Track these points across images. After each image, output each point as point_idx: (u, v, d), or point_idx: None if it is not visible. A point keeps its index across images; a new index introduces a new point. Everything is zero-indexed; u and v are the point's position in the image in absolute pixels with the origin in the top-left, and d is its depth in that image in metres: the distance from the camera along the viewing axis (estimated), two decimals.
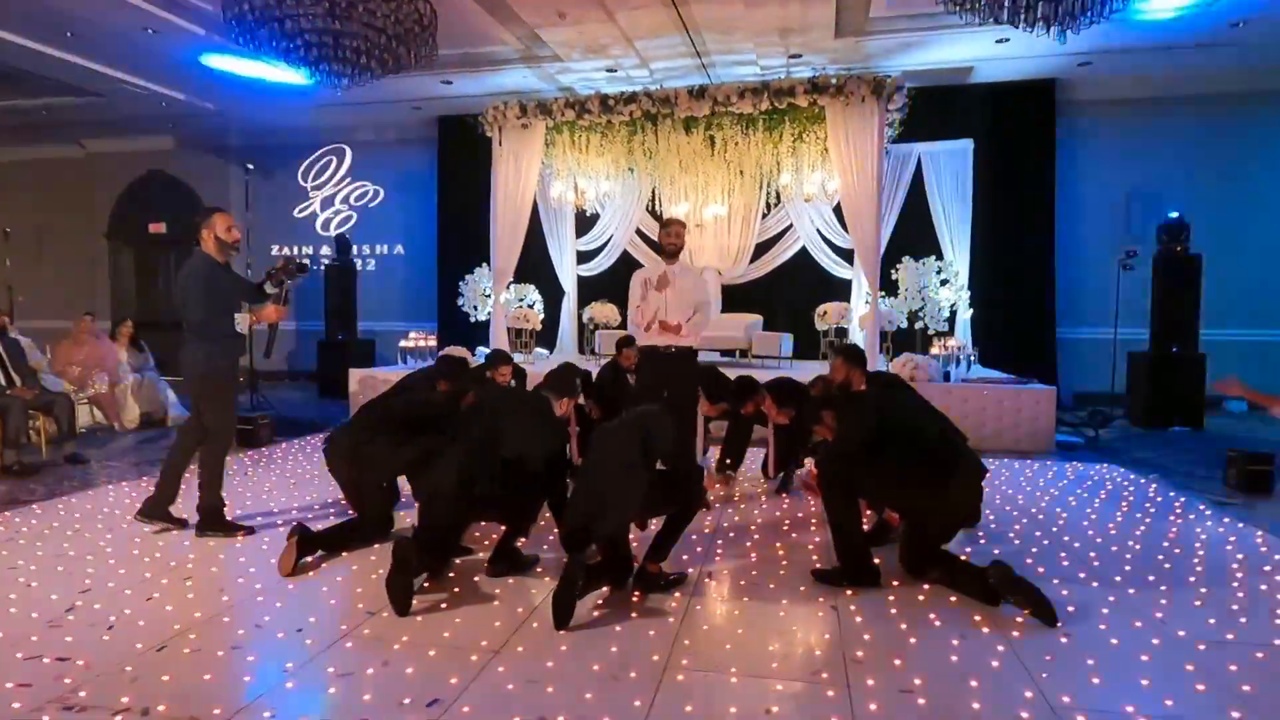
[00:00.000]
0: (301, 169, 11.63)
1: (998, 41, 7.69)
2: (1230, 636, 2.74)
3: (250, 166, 8.56)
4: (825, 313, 8.66)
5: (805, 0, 6.85)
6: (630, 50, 8.04)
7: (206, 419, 3.92)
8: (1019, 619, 2.87)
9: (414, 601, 2.98)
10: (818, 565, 3.43)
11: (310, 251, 11.71)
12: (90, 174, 12.50)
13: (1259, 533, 3.99)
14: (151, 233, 12.12)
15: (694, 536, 3.89)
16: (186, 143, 11.91)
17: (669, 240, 4.55)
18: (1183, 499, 4.72)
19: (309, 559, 3.46)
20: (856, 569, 3.22)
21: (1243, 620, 2.87)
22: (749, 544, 3.81)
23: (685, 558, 3.57)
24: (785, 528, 4.11)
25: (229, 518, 4.00)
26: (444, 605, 3.01)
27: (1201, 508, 4.53)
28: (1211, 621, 2.86)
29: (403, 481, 4.23)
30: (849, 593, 3.13)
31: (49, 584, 3.22)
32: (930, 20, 7.35)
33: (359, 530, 3.76)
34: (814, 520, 4.21)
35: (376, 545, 3.74)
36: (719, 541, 3.85)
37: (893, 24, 7.53)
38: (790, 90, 6.99)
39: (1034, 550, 3.70)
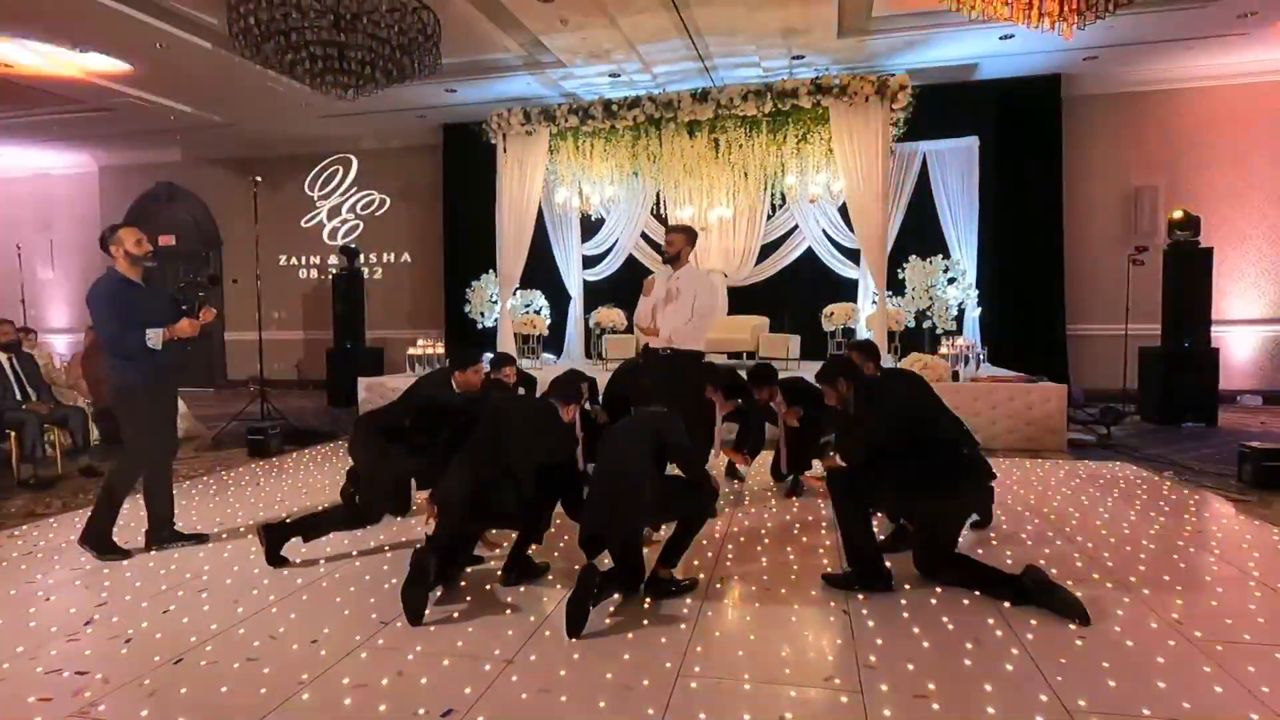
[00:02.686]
0: (308, 179, 11.70)
1: (1002, 38, 7.67)
2: (1248, 637, 2.72)
3: (259, 179, 8.61)
4: (832, 313, 8.64)
5: (807, 1, 6.84)
6: (633, 55, 8.05)
7: (125, 435, 3.82)
8: (1033, 620, 2.86)
9: (427, 611, 2.99)
10: (828, 569, 3.43)
11: (317, 260, 11.78)
12: (100, 187, 12.62)
13: (1275, 530, 3.96)
14: (161, 245, 12.20)
15: (704, 542, 3.89)
16: (194, 155, 12.02)
17: (665, 249, 4.59)
18: (1197, 496, 4.68)
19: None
20: (866, 573, 3.21)
21: (1261, 620, 2.85)
22: (759, 548, 3.80)
23: (696, 563, 3.57)
24: (796, 531, 4.10)
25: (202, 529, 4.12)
26: (456, 615, 3.01)
27: (1217, 505, 4.49)
28: (1229, 622, 2.84)
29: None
30: (860, 597, 3.12)
31: (67, 597, 3.26)
32: (933, 18, 7.34)
33: (333, 515, 3.81)
34: (824, 524, 4.20)
35: (390, 554, 3.76)
36: (730, 546, 3.84)
37: (895, 22, 7.50)
38: (793, 92, 6.99)
39: (1047, 551, 3.68)
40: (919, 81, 8.16)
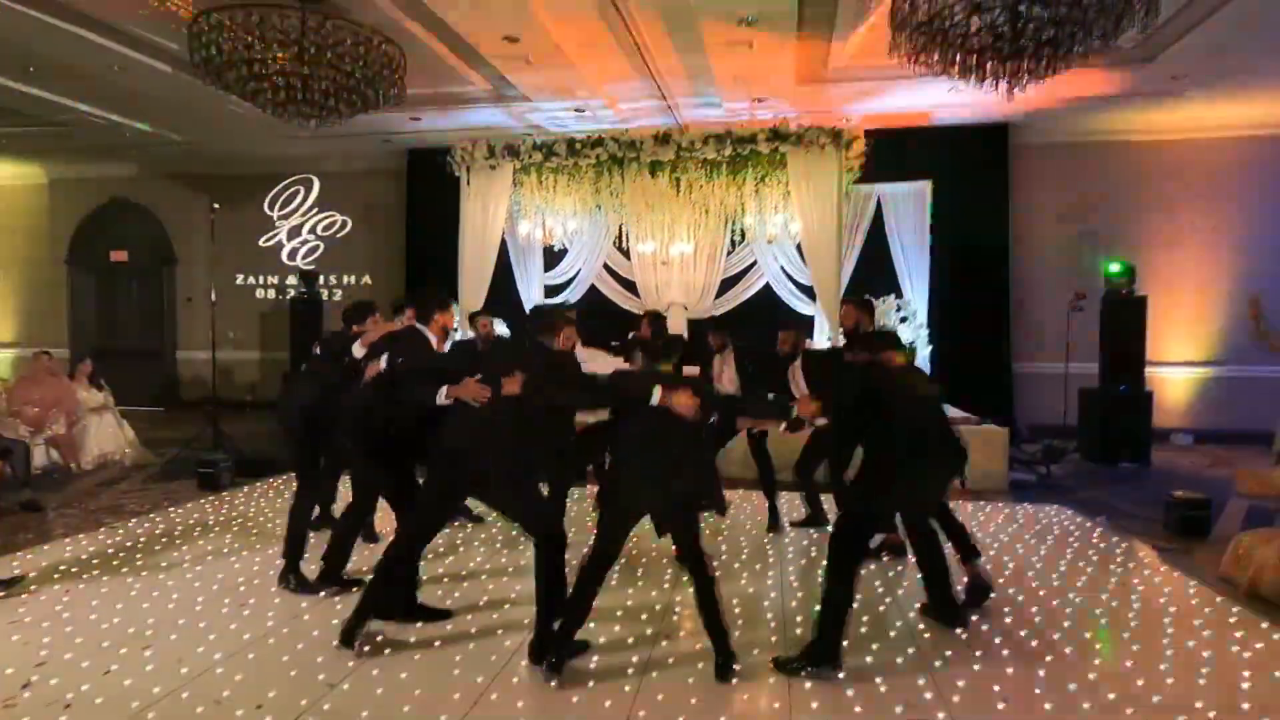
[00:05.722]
0: (268, 199, 11.56)
1: (951, 90, 7.97)
2: (1157, 699, 2.89)
3: (216, 206, 8.50)
4: None
5: (767, 50, 7.05)
6: (597, 93, 8.18)
7: None
8: (960, 683, 3.00)
9: (375, 671, 3.03)
10: (772, 624, 3.53)
11: (275, 280, 11.62)
12: (51, 199, 12.29)
13: (1193, 583, 4.19)
14: (113, 260, 11.95)
15: (654, 593, 3.97)
16: (150, 170, 11.78)
17: None
18: (1125, 545, 4.92)
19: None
20: (822, 648, 3.08)
21: (1170, 681, 3.04)
22: None
23: (644, 617, 3.65)
24: (743, 582, 4.21)
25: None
26: (404, 675, 3.04)
27: (1141, 555, 4.73)
28: (1140, 683, 3.01)
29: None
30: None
31: (4, 656, 3.19)
32: (886, 70, 7.59)
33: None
34: (770, 576, 4.32)
35: (339, 606, 3.72)
36: (679, 598, 3.92)
37: (851, 74, 7.74)
38: (752, 138, 7.21)
39: (982, 604, 3.84)
40: (874, 126, 8.46)
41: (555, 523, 3.34)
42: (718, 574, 3.29)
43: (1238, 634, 3.49)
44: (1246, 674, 3.09)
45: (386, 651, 3.25)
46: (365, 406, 3.70)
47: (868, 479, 3.42)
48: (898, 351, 3.68)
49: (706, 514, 3.37)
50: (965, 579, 3.80)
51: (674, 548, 3.24)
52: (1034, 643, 3.39)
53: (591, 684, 2.99)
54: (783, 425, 3.69)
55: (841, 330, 4.51)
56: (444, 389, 3.25)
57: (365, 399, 3.72)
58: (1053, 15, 5.18)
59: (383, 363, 3.66)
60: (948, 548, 3.78)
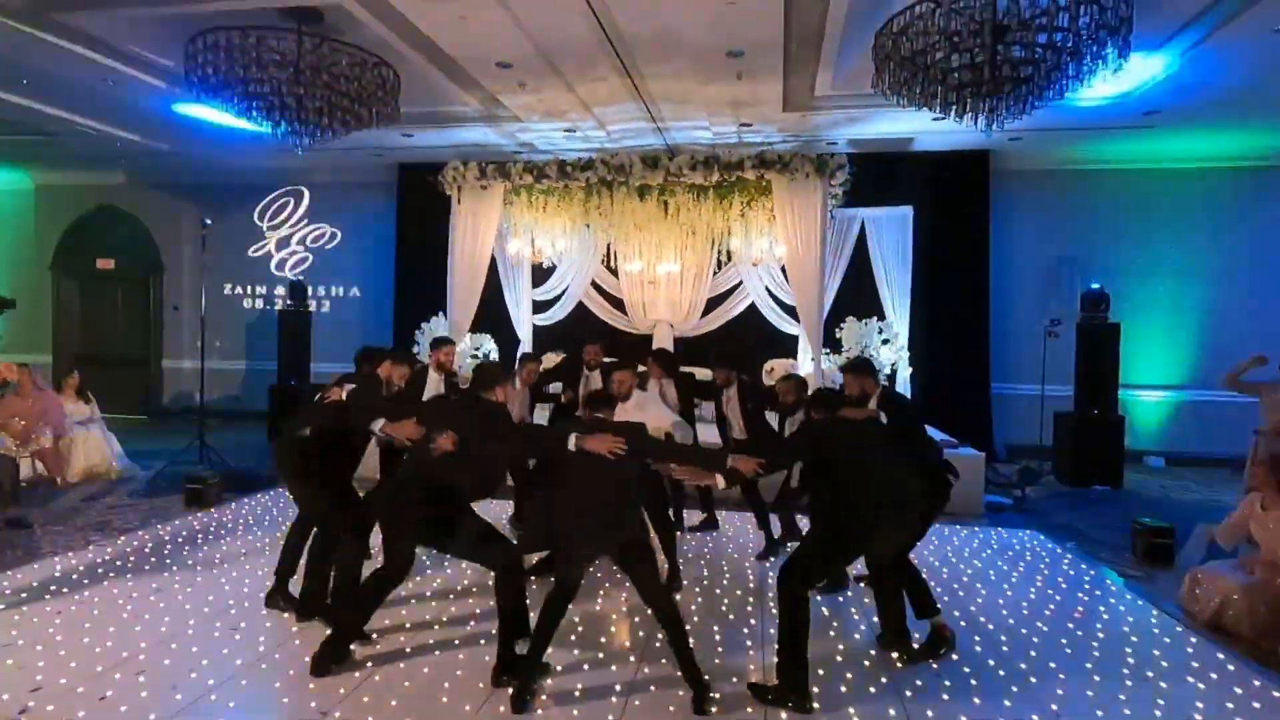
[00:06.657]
0: (258, 209, 11.59)
1: (934, 119, 8.17)
2: None
3: (209, 221, 8.54)
4: (772, 369, 8.98)
5: (755, 80, 7.22)
6: (588, 115, 8.32)
7: None
8: (930, 713, 3.13)
9: (365, 699, 3.12)
10: (750, 651, 3.65)
11: (264, 291, 11.64)
12: (38, 205, 12.23)
13: (1154, 611, 4.36)
14: (99, 268, 11.92)
15: (638, 619, 4.08)
16: (139, 178, 11.77)
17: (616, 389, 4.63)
18: (1093, 572, 5.09)
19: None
20: (792, 687, 3.17)
21: (1127, 712, 3.19)
22: (689, 626, 3.98)
23: (628, 644, 3.76)
24: (724, 608, 4.32)
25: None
26: (394, 702, 3.13)
27: (1108, 583, 4.90)
28: (1100, 714, 3.16)
29: None
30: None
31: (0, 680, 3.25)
32: (870, 99, 7.77)
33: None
34: (750, 601, 4.44)
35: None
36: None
37: (836, 101, 7.93)
38: (739, 164, 7.37)
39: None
40: (858, 151, 8.66)
41: (509, 551, 3.47)
42: (687, 605, 3.39)
43: (1194, 664, 3.65)
44: (1200, 705, 3.25)
45: (377, 678, 3.33)
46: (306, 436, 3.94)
47: (820, 529, 3.56)
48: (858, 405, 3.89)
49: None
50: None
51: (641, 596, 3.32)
52: (1001, 672, 3.54)
53: (576, 712, 3.09)
54: (720, 480, 3.40)
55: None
56: (381, 421, 3.59)
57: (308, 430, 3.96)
58: (1029, 56, 5.40)
59: (344, 394, 3.93)
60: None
